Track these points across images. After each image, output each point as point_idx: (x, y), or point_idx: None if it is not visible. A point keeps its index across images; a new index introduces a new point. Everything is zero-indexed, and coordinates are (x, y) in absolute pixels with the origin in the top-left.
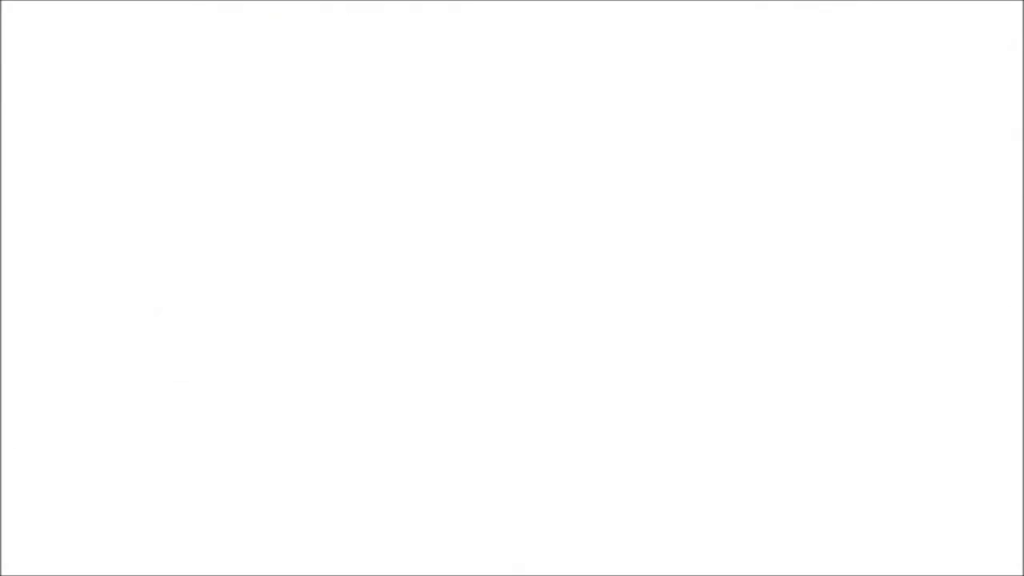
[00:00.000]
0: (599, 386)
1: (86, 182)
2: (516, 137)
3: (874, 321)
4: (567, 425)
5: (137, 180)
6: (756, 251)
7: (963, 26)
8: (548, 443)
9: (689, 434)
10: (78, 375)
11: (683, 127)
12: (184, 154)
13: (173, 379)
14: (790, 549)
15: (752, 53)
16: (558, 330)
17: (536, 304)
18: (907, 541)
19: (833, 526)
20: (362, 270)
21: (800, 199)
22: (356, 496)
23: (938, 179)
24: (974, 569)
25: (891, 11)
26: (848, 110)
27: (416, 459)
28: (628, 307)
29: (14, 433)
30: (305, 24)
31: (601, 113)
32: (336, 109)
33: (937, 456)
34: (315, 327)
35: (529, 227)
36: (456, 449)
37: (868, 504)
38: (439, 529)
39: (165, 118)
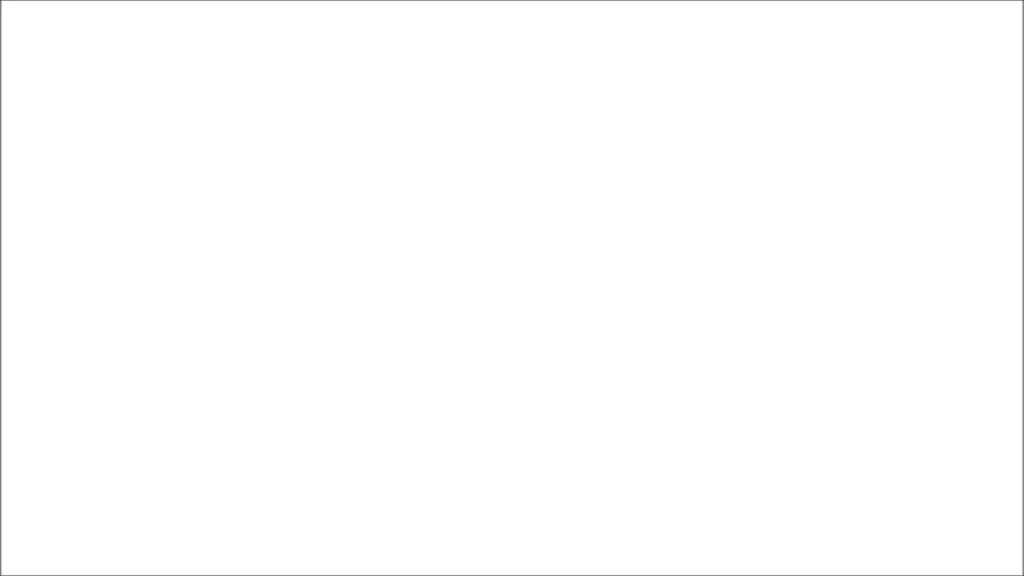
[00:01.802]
0: (598, 385)
1: (86, 180)
2: (515, 135)
3: (874, 319)
4: (566, 424)
5: (137, 178)
6: (756, 249)
7: (963, 26)
8: (547, 442)
9: (688, 433)
10: (78, 375)
11: (683, 126)
12: (184, 152)
13: (172, 379)
14: (790, 549)
15: (752, 53)
16: (556, 327)
17: (535, 301)
18: (907, 541)
19: (833, 526)
20: (361, 266)
21: (800, 197)
22: (356, 496)
23: (938, 178)
24: (974, 569)
25: (891, 11)
26: (848, 109)
27: (416, 458)
28: (627, 304)
29: (14, 433)
30: (305, 23)
31: (601, 112)
32: (336, 107)
33: (937, 456)
34: (313, 322)
35: (528, 224)
36: (455, 448)
37: (868, 504)
38: (439, 529)
39: (165, 117)
